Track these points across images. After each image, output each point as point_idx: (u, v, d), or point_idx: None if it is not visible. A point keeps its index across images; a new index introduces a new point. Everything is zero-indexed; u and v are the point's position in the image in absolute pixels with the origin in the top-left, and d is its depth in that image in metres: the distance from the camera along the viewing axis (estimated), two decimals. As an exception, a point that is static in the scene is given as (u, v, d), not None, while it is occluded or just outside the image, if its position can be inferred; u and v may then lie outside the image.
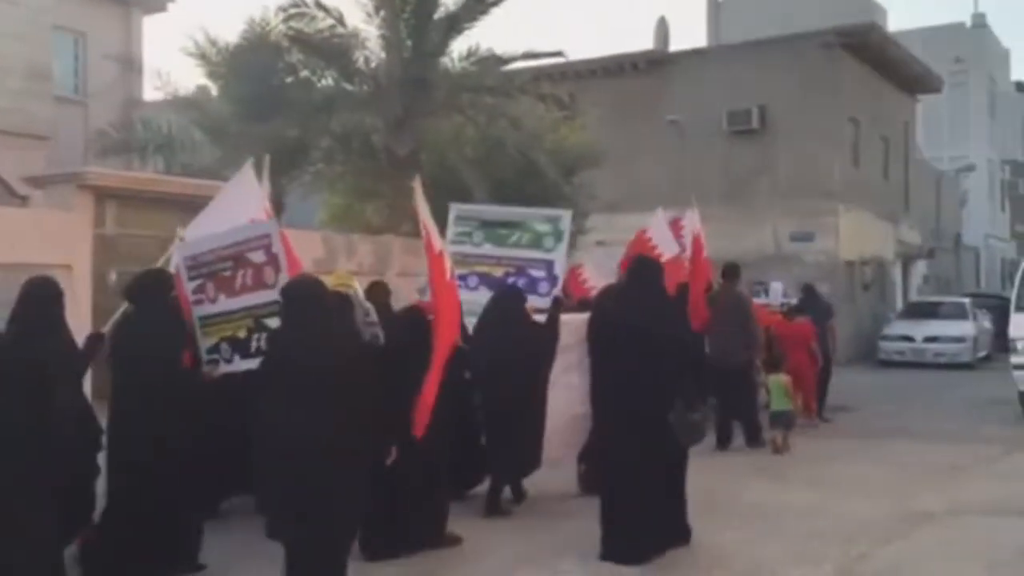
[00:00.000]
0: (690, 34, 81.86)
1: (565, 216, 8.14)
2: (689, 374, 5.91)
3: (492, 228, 8.02)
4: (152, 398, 5.26)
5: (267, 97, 15.94)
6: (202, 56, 16.64)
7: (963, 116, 35.95)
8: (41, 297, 4.95)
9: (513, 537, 6.43)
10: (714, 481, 6.22)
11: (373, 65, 15.51)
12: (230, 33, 17.10)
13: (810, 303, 13.46)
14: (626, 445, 5.71)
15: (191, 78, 24.42)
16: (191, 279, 6.06)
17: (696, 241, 10.43)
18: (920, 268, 28.24)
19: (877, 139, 24.28)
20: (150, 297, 5.64)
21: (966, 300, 22.76)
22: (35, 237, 9.75)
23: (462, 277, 7.34)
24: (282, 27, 15.62)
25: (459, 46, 16.12)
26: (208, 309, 5.98)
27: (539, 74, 23.16)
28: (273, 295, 5.48)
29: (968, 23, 37.65)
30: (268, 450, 4.63)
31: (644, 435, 5.68)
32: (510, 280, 7.72)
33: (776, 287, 12.02)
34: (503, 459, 6.95)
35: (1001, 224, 39.93)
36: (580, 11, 77.28)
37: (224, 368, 5.94)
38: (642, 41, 25.36)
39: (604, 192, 22.43)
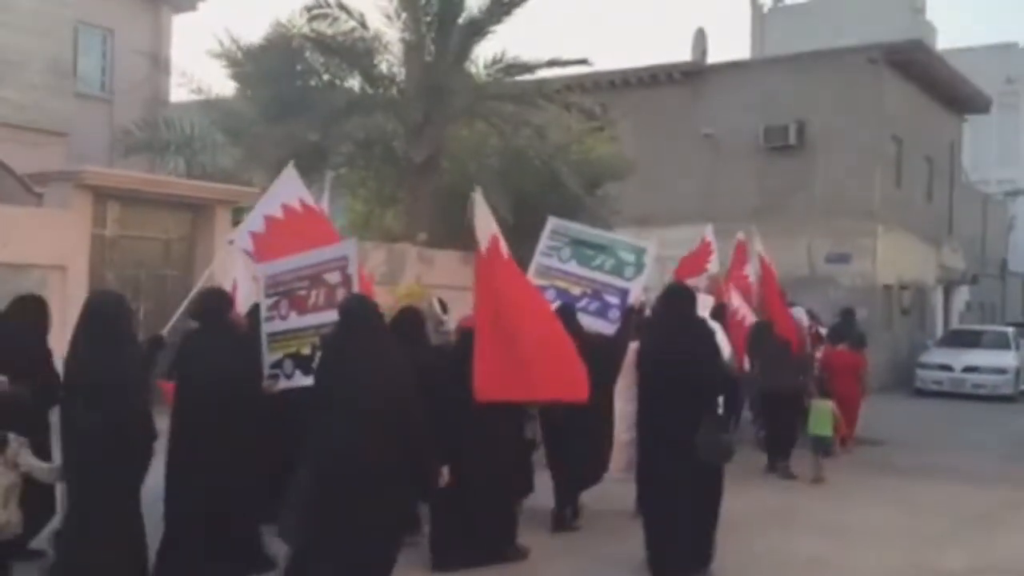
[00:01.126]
0: (734, 47, 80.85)
1: (650, 249, 8.15)
2: (718, 397, 6.11)
3: (580, 247, 8.11)
4: (218, 410, 5.48)
5: (289, 99, 15.69)
6: (227, 57, 16.42)
7: (1013, 138, 34.83)
8: (111, 315, 5.09)
9: (571, 553, 6.62)
10: (724, 519, 5.81)
11: (394, 70, 15.18)
12: (257, 34, 16.90)
13: (846, 329, 12.97)
14: (660, 467, 5.99)
15: (218, 79, 24.09)
16: (268, 296, 6.25)
17: (764, 264, 10.93)
18: (963, 294, 27.27)
19: (920, 159, 23.45)
20: (213, 316, 5.87)
21: (1009, 329, 21.86)
22: (29, 236, 9.49)
23: (541, 289, 7.59)
24: (305, 29, 15.35)
25: (483, 52, 15.79)
26: (278, 326, 6.15)
27: (571, 83, 22.82)
28: None
29: (1021, 43, 36.49)
30: (312, 459, 4.91)
31: (676, 458, 5.85)
32: (584, 301, 7.82)
33: (797, 312, 11.43)
34: (563, 473, 7.11)
35: (1051, 251, 38.64)
36: (619, 22, 76.69)
37: (283, 384, 6.04)
38: (683, 53, 24.78)
39: (634, 206, 21.92)
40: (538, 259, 8.11)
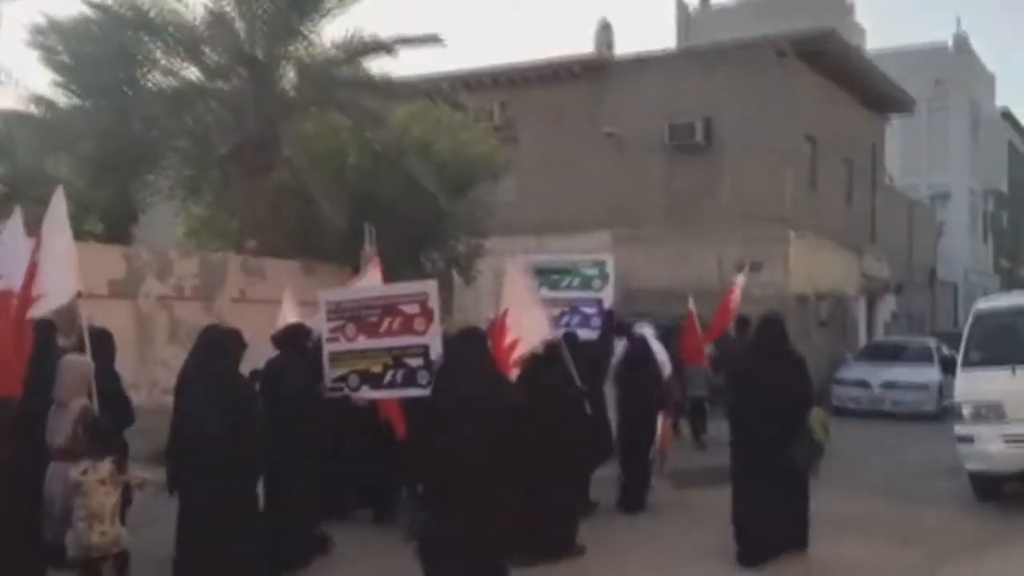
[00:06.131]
0: (658, 44, 77.72)
1: (609, 260, 9.42)
2: (807, 412, 7.25)
3: (546, 274, 9.01)
4: (295, 421, 6.60)
5: (113, 90, 13.75)
6: (41, 43, 14.34)
7: (943, 142, 33.75)
8: (224, 351, 5.93)
9: (642, 544, 7.68)
10: None
11: (219, 59, 13.18)
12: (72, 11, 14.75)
13: (741, 339, 12.23)
14: (754, 471, 7.04)
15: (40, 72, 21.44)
16: (330, 319, 7.18)
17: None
18: (888, 304, 25.86)
19: (839, 161, 21.99)
20: (294, 344, 7.24)
21: (932, 342, 20.37)
22: None
23: None
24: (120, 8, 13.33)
25: (333, 34, 13.85)
26: (343, 346, 7.11)
27: (467, 80, 21.08)
28: (421, 340, 6.82)
29: (950, 44, 35.52)
30: (427, 465, 5.74)
31: (769, 464, 6.92)
32: (564, 319, 8.83)
33: (643, 329, 9.94)
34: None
35: (983, 258, 37.66)
36: (526, 17, 74.32)
37: (347, 394, 7.14)
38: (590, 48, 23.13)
39: (533, 212, 20.21)
40: None
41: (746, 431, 7.22)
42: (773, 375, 7.11)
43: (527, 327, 7.25)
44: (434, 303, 6.86)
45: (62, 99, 14.26)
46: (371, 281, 8.56)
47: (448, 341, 6.54)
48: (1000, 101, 40.91)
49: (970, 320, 10.58)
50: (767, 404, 7.00)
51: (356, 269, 13.81)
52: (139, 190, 14.74)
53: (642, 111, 20.11)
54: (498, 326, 7.30)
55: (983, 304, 11.12)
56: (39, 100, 14.64)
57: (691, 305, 12.52)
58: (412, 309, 6.84)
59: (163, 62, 13.59)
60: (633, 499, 8.95)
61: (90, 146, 14.05)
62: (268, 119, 12.64)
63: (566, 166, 20.70)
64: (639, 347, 9.32)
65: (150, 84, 14.04)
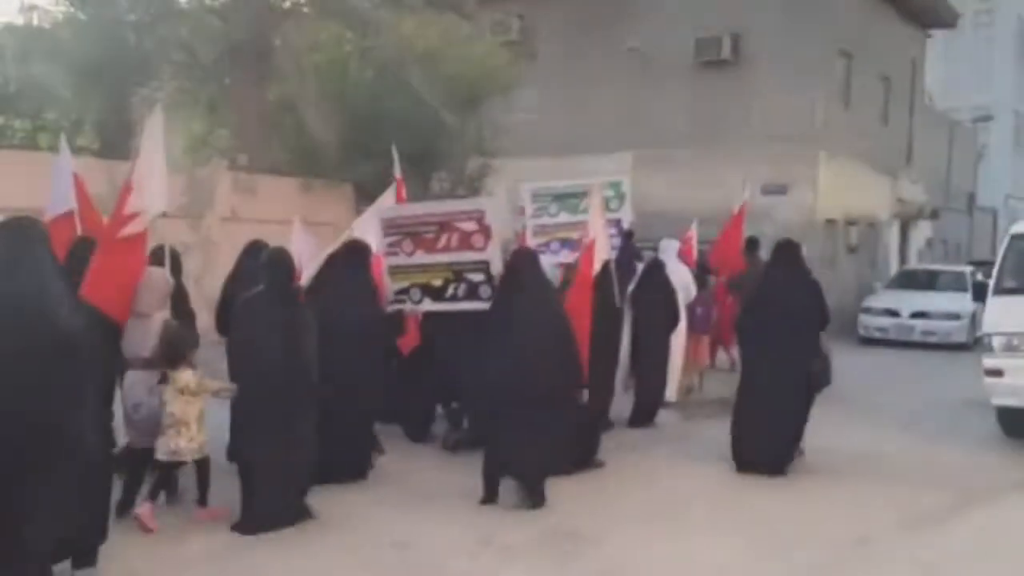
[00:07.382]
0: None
1: (625, 180, 9.43)
2: (821, 332, 7.46)
3: (563, 199, 9.13)
4: (353, 335, 6.43)
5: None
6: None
7: (987, 60, 32.15)
8: (287, 268, 5.88)
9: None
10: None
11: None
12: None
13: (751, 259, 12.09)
14: (768, 386, 7.21)
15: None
16: (387, 235, 7.34)
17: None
18: (923, 230, 24.88)
19: (875, 78, 20.84)
20: (353, 261, 6.94)
21: (967, 269, 19.48)
22: None
23: (546, 244, 8.81)
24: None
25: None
26: (402, 260, 7.28)
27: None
28: (480, 256, 7.02)
29: (1000, -45, 33.60)
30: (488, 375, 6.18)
31: (784, 380, 7.15)
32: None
33: (669, 245, 10.07)
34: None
35: (1025, 183, 36.27)
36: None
37: (410, 306, 7.34)
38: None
39: (552, 132, 19.45)
40: (530, 223, 9.26)
41: (756, 344, 7.42)
42: (786, 291, 7.30)
43: (601, 250, 7.42)
44: (491, 220, 6.99)
45: (54, 7, 13.65)
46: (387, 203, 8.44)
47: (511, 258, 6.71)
48: (1051, 18, 38.87)
49: (1004, 243, 9.83)
50: (780, 319, 7.17)
51: (356, 187, 13.32)
52: (136, 105, 14.18)
53: (667, 25, 19.08)
54: (589, 251, 7.32)
55: (1019, 226, 10.31)
56: (31, 8, 14.07)
57: (693, 228, 12.12)
58: (469, 226, 7.00)
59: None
60: (639, 417, 9.07)
61: (83, 57, 13.46)
62: (259, 26, 11.94)
63: (587, 83, 19.80)
64: (653, 270, 9.28)
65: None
